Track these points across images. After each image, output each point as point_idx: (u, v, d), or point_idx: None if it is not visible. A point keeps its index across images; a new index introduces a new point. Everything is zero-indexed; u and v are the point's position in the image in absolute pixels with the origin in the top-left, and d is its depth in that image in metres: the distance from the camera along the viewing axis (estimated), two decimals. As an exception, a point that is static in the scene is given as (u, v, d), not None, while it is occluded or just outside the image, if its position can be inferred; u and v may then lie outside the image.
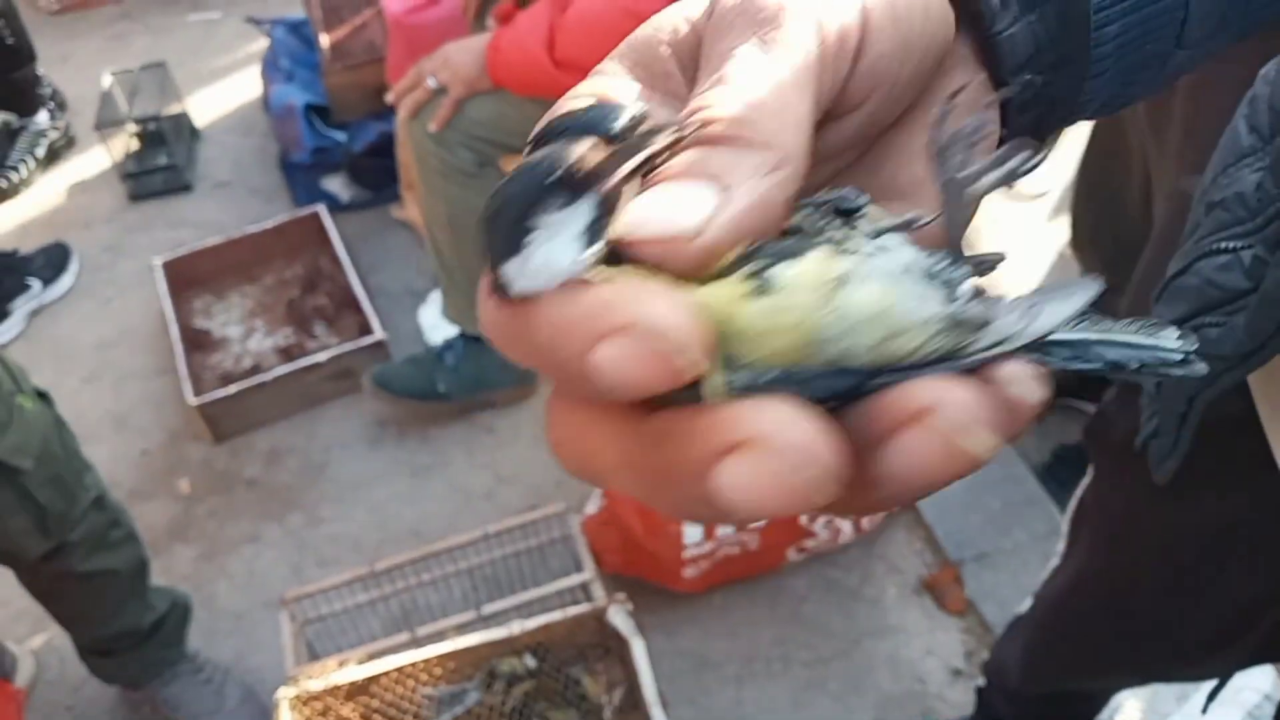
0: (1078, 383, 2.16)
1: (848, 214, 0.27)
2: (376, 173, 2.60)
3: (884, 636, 1.77)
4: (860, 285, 0.23)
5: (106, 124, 2.77)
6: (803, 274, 0.23)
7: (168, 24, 3.55)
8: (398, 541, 1.95)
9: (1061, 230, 2.29)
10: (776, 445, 0.21)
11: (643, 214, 0.24)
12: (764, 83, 0.26)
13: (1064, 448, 2.06)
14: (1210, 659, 0.86)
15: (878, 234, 0.26)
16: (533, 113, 1.74)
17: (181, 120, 2.94)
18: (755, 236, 0.24)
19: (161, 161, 2.85)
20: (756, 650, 1.76)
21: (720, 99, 0.26)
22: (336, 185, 2.66)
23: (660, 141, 0.25)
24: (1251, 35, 0.44)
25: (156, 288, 2.38)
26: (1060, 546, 0.95)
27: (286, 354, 2.32)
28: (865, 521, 1.83)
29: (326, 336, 2.35)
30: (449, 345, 2.11)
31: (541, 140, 0.26)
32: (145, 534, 2.01)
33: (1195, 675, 1.01)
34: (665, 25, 0.30)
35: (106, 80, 2.88)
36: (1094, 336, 0.28)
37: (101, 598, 1.56)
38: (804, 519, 1.75)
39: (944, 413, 0.22)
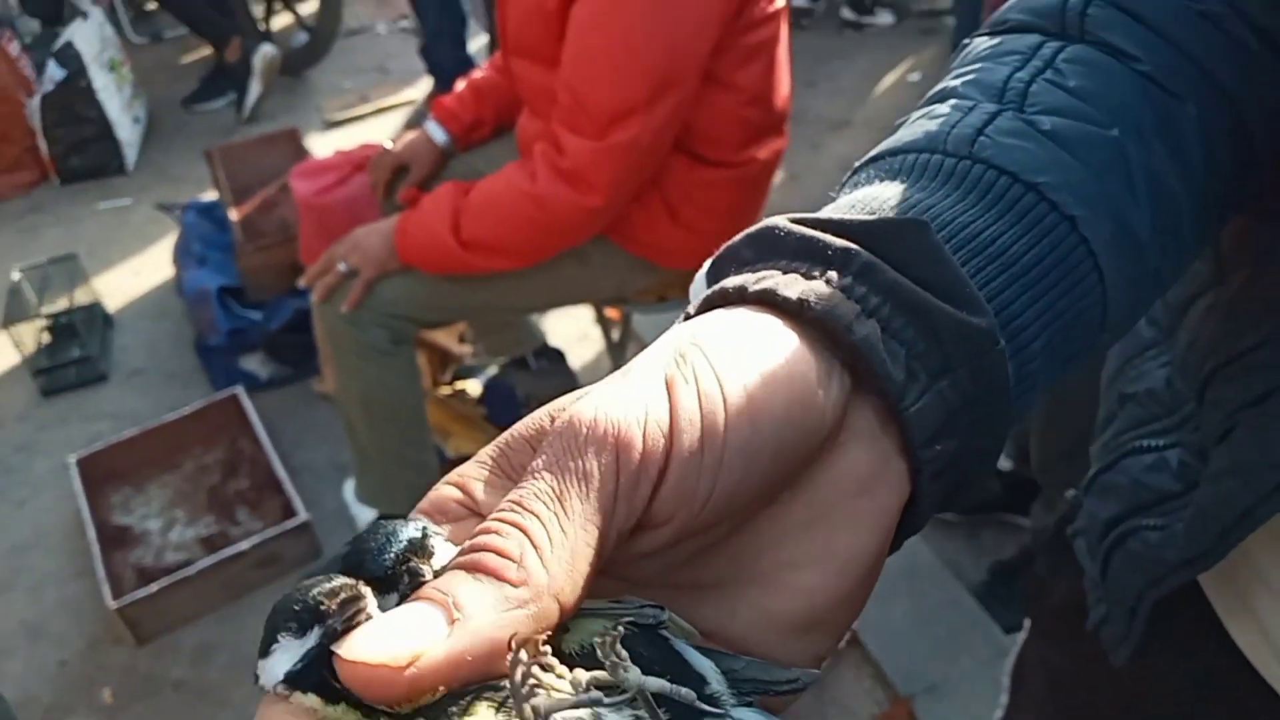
0: (1007, 497, 2.19)
1: (646, 628, 0.28)
2: (295, 349, 2.59)
3: (843, 784, 1.73)
4: None
5: (14, 320, 2.74)
6: None
7: (77, 213, 3.55)
8: (335, 734, 1.87)
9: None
10: None
11: (366, 638, 0.25)
12: (544, 514, 0.27)
13: (1000, 564, 2.07)
14: None
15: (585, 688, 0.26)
16: (444, 287, 1.76)
17: (94, 310, 2.92)
18: (481, 672, 0.25)
19: (74, 354, 2.81)
20: (715, 813, 1.71)
21: (501, 528, 0.27)
22: (255, 364, 2.64)
23: (427, 574, 0.27)
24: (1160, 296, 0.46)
25: (72, 486, 2.31)
26: (1003, 698, 0.93)
27: (209, 544, 2.25)
28: (812, 665, 1.80)
29: (250, 522, 2.30)
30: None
31: (358, 544, 0.28)
32: (65, 753, 1.91)
33: None
34: (534, 421, 0.32)
35: (15, 276, 2.86)
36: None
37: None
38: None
39: None
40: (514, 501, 0.28)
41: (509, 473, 0.31)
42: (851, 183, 0.39)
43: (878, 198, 0.36)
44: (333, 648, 0.25)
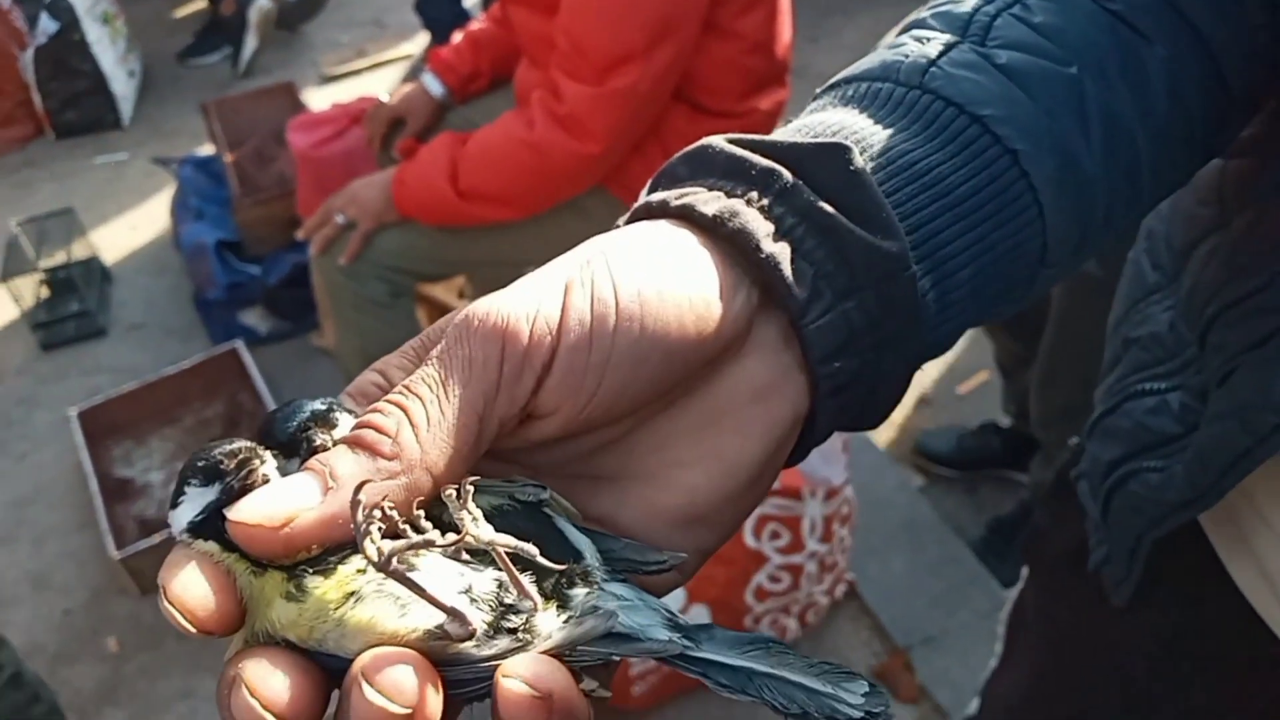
0: (1006, 453, 2.20)
1: (529, 505, 0.31)
2: (293, 303, 2.59)
3: (840, 733, 1.75)
4: (359, 605, 0.29)
5: (13, 274, 2.73)
6: (324, 588, 0.29)
7: (74, 168, 3.53)
8: (337, 683, 1.89)
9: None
10: (251, 683, 0.28)
11: (250, 501, 0.29)
12: (426, 396, 0.30)
13: (999, 520, 2.08)
14: None
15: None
16: (442, 240, 1.76)
17: (92, 265, 2.91)
18: (347, 532, 0.29)
19: (73, 308, 2.81)
20: (713, 761, 1.73)
21: (384, 408, 0.30)
22: (253, 318, 2.64)
23: (325, 442, 0.31)
24: (1118, 250, 0.46)
25: (73, 439, 2.32)
26: (997, 647, 0.93)
27: (211, 496, 2.26)
28: (810, 615, 1.82)
29: (252, 475, 2.30)
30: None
31: (273, 416, 0.32)
32: (72, 699, 1.93)
33: None
34: (449, 318, 0.34)
35: (12, 230, 2.84)
36: (761, 668, 0.30)
37: (23, 781, 1.48)
38: (748, 620, 1.74)
39: (375, 681, 0.28)
40: (404, 385, 0.30)
41: (423, 360, 0.33)
42: (809, 109, 0.40)
43: (823, 122, 0.37)
44: (224, 510, 0.29)
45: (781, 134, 0.37)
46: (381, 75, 3.86)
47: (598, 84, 1.50)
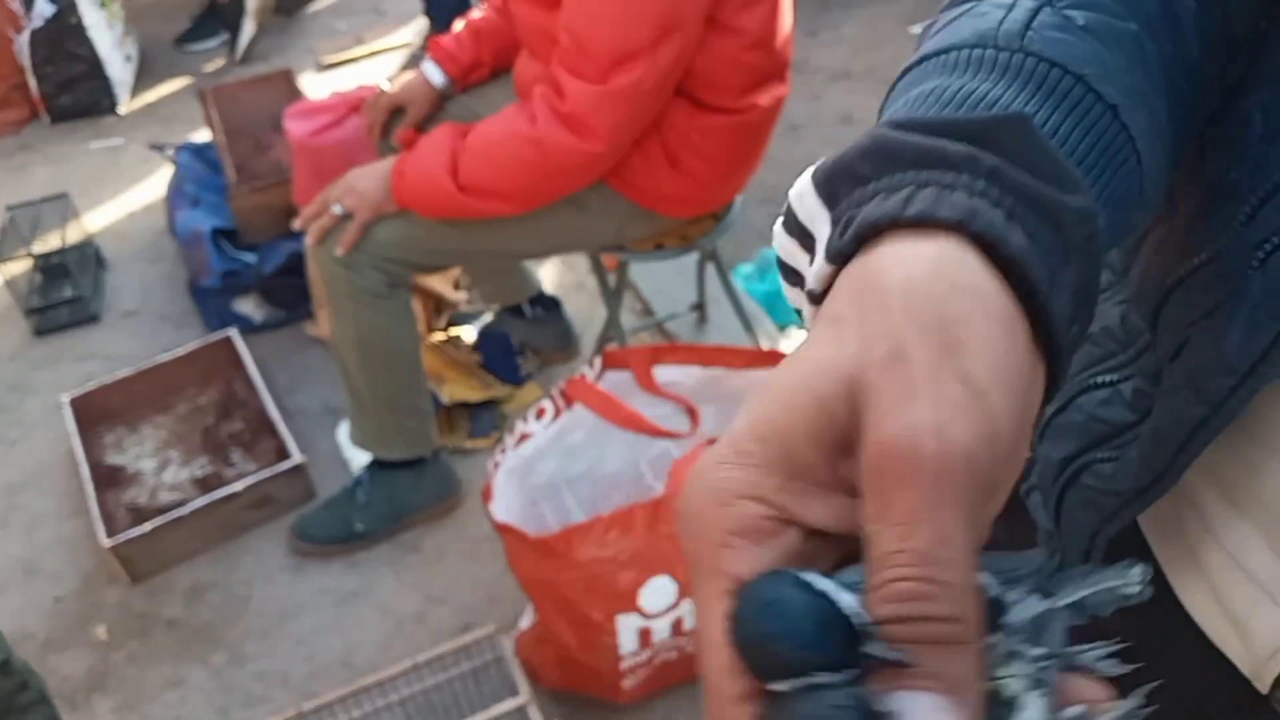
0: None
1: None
2: (289, 292, 2.58)
3: (830, 730, 1.75)
4: None
5: (6, 259, 2.72)
6: None
7: (69, 152, 3.51)
8: (328, 673, 1.89)
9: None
10: None
11: None
12: (949, 562, 0.28)
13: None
14: None
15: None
16: (440, 231, 1.75)
17: (86, 250, 2.90)
18: None
19: (66, 294, 2.79)
20: (703, 756, 1.73)
21: (927, 592, 0.28)
22: (248, 307, 2.63)
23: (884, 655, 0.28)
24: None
25: (65, 425, 2.31)
26: None
27: (203, 484, 2.26)
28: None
29: (244, 463, 2.30)
30: (359, 481, 2.08)
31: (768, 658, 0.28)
32: (62, 686, 1.93)
33: None
34: (800, 414, 0.31)
35: (5, 215, 2.83)
36: (1086, 592, 0.33)
37: (11, 769, 1.47)
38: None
39: None
40: (903, 549, 0.29)
41: (800, 472, 0.31)
42: (905, 83, 0.41)
43: (948, 89, 0.39)
44: None
45: (905, 108, 0.39)
46: (379, 64, 3.85)
47: (601, 82, 1.49)
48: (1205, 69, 0.44)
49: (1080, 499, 0.53)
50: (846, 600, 0.28)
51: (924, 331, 0.31)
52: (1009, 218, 0.33)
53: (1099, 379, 0.52)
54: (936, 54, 0.41)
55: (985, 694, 0.29)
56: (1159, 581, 0.53)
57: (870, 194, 0.35)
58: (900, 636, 0.28)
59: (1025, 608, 0.31)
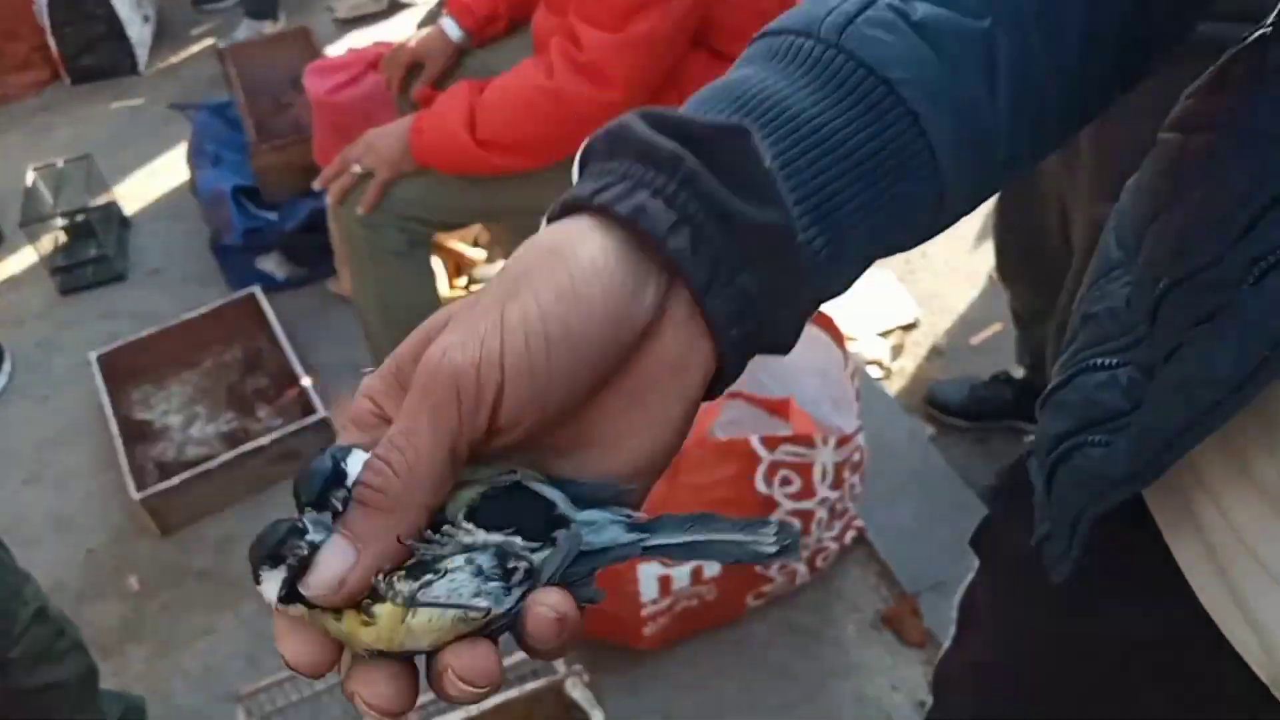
0: (1018, 404, 2.20)
1: (506, 487, 0.39)
2: (311, 249, 2.60)
3: (848, 676, 1.78)
4: (415, 614, 0.37)
5: (31, 220, 2.75)
6: (386, 612, 0.37)
7: (91, 113, 3.53)
8: (355, 622, 1.93)
9: (987, 255, 2.35)
10: (365, 693, 0.38)
11: (313, 578, 0.37)
12: (404, 445, 0.36)
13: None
14: None
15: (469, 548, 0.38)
16: (460, 188, 1.76)
17: (110, 210, 2.92)
18: (392, 564, 0.37)
19: (91, 253, 2.83)
20: (724, 702, 1.76)
21: (374, 464, 0.37)
22: (271, 264, 2.65)
23: (338, 500, 0.38)
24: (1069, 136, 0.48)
25: (93, 382, 2.35)
26: (952, 630, 0.91)
27: (230, 439, 2.29)
28: (819, 560, 1.84)
29: (269, 418, 2.33)
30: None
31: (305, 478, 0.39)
32: (95, 636, 1.98)
33: None
34: (416, 340, 0.40)
35: (30, 176, 2.86)
36: (701, 538, 0.40)
37: (49, 713, 1.52)
38: (759, 566, 1.76)
39: (453, 669, 0.37)
40: (386, 439, 0.37)
41: (402, 384, 0.39)
42: (745, 57, 0.45)
43: (745, 83, 0.42)
44: (297, 585, 0.37)
45: (698, 104, 0.42)
46: (396, 21, 3.83)
47: (617, 30, 1.49)
48: (1088, 68, 0.45)
49: (1070, 477, 0.53)
50: (354, 466, 0.38)
51: (501, 282, 0.37)
52: (681, 221, 0.37)
53: (1099, 360, 0.53)
54: (774, 33, 0.44)
55: (420, 559, 0.37)
56: (1165, 571, 0.53)
57: (594, 172, 0.40)
58: (354, 496, 0.37)
59: (591, 529, 0.39)
